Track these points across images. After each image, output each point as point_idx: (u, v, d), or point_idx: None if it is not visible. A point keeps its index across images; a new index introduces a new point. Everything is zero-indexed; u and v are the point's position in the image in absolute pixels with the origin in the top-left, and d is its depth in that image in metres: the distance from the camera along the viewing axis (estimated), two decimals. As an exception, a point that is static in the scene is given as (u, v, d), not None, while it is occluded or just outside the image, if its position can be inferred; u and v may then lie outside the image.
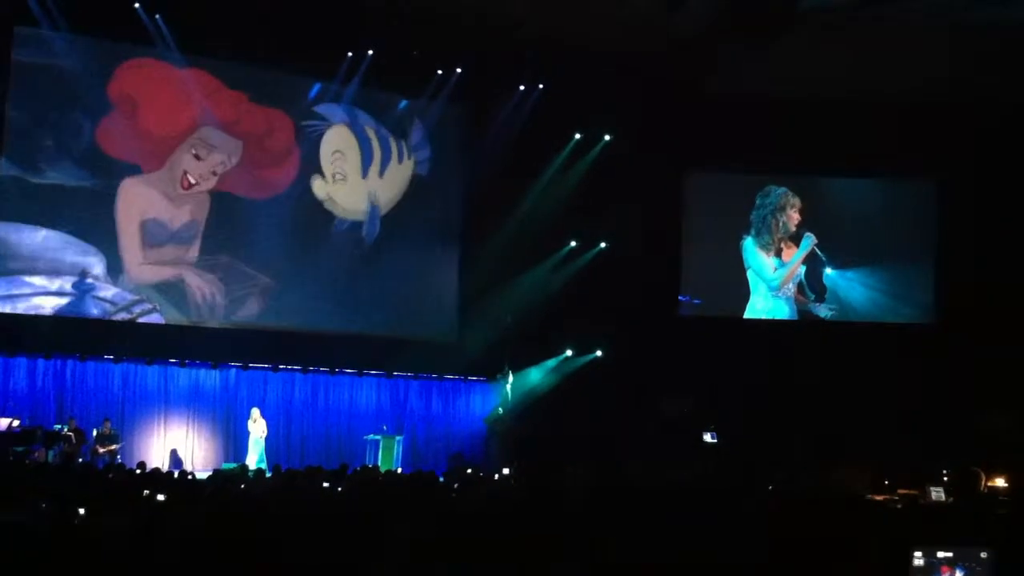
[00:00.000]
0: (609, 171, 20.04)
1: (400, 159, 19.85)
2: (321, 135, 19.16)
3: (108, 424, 16.50)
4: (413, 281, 19.84)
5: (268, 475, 13.34)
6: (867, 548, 5.92)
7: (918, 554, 4.83)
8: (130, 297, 17.50)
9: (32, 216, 16.78)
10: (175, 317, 17.85)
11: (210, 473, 13.41)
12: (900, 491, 13.43)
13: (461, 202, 20.43)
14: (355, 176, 19.50)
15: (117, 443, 16.39)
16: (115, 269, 17.37)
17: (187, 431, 17.92)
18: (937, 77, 18.71)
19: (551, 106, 19.68)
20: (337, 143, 19.36)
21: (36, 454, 14.84)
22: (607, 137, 20.50)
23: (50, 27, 16.41)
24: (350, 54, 18.52)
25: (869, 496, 12.50)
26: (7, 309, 16.51)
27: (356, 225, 19.47)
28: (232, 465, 15.38)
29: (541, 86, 19.79)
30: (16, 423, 15.08)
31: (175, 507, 7.98)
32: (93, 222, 17.21)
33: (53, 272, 16.93)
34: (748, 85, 19.38)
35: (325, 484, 10.74)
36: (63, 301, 16.99)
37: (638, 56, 18.70)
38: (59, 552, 5.30)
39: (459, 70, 19.32)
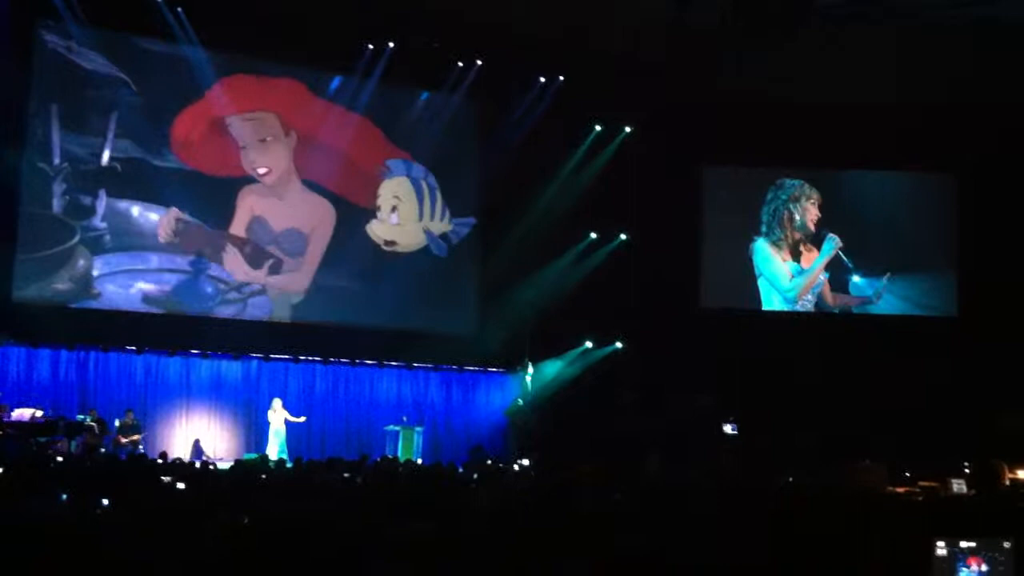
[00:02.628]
0: (628, 164, 19.99)
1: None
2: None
3: (130, 415, 16.61)
4: (434, 273, 19.90)
5: (289, 465, 13.39)
6: (888, 539, 5.89)
7: (941, 544, 4.79)
8: (243, 278, 18.25)
9: (153, 196, 17.54)
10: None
11: (231, 464, 13.48)
12: (921, 483, 13.35)
13: (480, 195, 20.43)
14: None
15: (139, 434, 16.50)
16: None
17: (209, 422, 18.04)
18: (957, 76, 18.46)
19: (570, 100, 19.64)
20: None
21: (59, 445, 14.95)
22: (627, 129, 20.45)
23: (71, 21, 16.61)
24: (370, 47, 18.56)
25: (890, 489, 12.45)
26: (127, 282, 17.42)
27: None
28: (253, 456, 15.46)
29: (561, 78, 19.76)
30: (39, 414, 15.17)
31: (193, 500, 8.01)
32: (212, 206, 18.03)
33: (171, 250, 17.72)
34: (764, 83, 19.23)
35: (345, 475, 10.78)
36: (179, 278, 17.85)
37: (652, 53, 18.62)
38: (81, 542, 5.32)
39: (479, 63, 19.32)
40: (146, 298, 17.60)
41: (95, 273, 17.20)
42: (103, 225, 17.29)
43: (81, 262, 17.11)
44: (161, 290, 17.71)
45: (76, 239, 17.05)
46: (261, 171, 18.64)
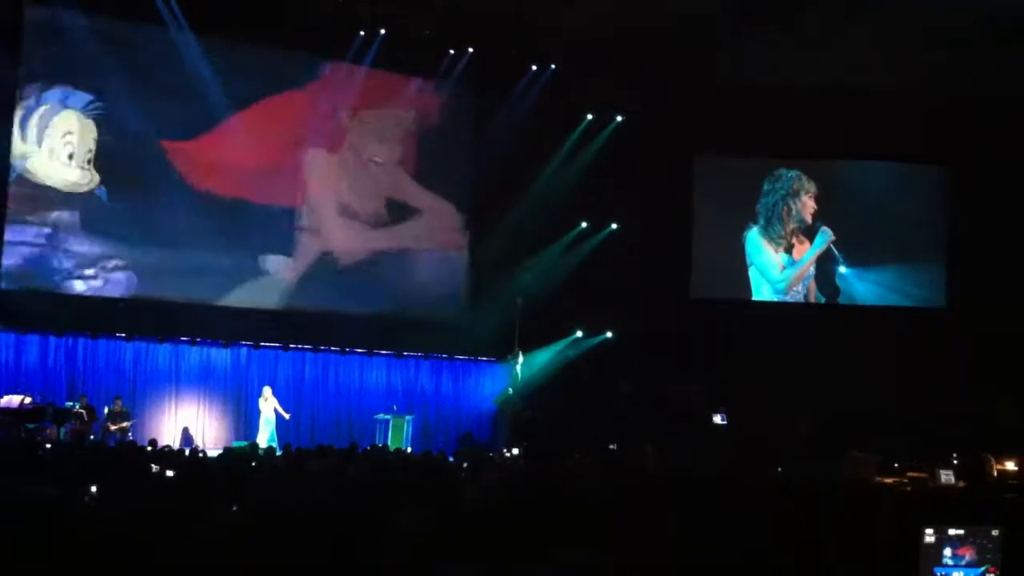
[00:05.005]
0: (620, 153, 19.96)
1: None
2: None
3: (119, 402, 16.56)
4: (424, 261, 19.86)
5: (279, 453, 13.38)
6: (877, 528, 5.92)
7: (929, 531, 4.82)
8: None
9: (146, 181, 17.66)
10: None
11: (221, 451, 13.46)
12: (909, 474, 13.38)
13: (472, 182, 20.40)
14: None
15: (128, 421, 16.46)
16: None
17: (198, 409, 17.98)
18: (953, 67, 18.45)
19: (562, 88, 19.61)
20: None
21: (47, 431, 14.91)
22: (619, 118, 20.42)
23: (60, 3, 16.55)
24: (362, 33, 18.50)
25: (878, 479, 12.48)
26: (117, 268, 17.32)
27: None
28: (243, 444, 15.44)
29: (553, 66, 19.72)
30: (27, 400, 15.14)
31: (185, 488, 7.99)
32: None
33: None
34: (761, 70, 19.21)
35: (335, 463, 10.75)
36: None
37: (649, 39, 18.58)
38: (68, 530, 5.30)
39: (471, 50, 19.27)
40: (135, 284, 17.50)
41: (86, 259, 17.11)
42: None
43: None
44: (151, 276, 17.60)
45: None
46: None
